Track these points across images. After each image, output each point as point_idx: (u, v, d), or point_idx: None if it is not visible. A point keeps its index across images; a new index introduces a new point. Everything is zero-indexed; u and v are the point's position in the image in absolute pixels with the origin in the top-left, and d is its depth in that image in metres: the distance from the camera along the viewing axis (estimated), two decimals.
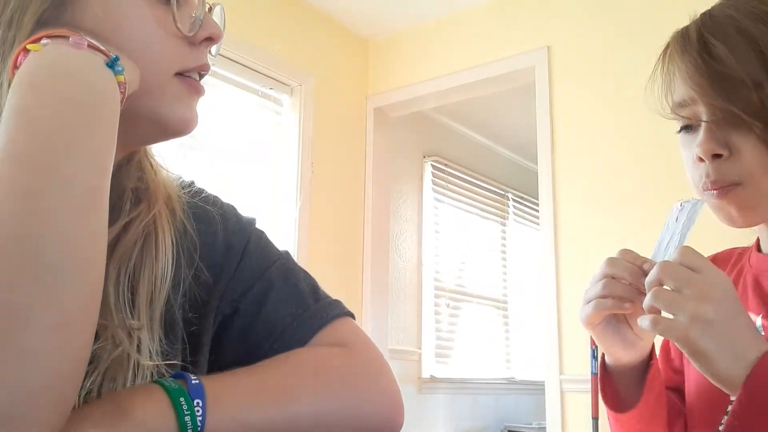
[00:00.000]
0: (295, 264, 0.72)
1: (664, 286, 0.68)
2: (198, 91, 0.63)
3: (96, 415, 0.48)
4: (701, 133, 0.77)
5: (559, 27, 2.96)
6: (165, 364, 0.57)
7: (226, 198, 0.75)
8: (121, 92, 0.53)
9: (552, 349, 2.72)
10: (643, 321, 0.68)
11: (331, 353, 0.63)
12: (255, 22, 2.95)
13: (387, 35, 3.53)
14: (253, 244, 0.70)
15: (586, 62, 2.86)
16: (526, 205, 5.03)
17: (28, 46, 0.51)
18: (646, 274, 0.72)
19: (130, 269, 0.59)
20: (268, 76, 3.02)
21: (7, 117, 0.47)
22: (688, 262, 0.67)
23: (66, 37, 0.52)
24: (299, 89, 3.14)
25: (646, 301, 0.68)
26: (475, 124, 4.48)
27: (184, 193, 0.69)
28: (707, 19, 0.79)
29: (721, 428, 0.65)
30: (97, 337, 0.49)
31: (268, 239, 0.73)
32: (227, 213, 0.71)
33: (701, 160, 0.78)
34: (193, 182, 0.72)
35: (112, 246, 0.58)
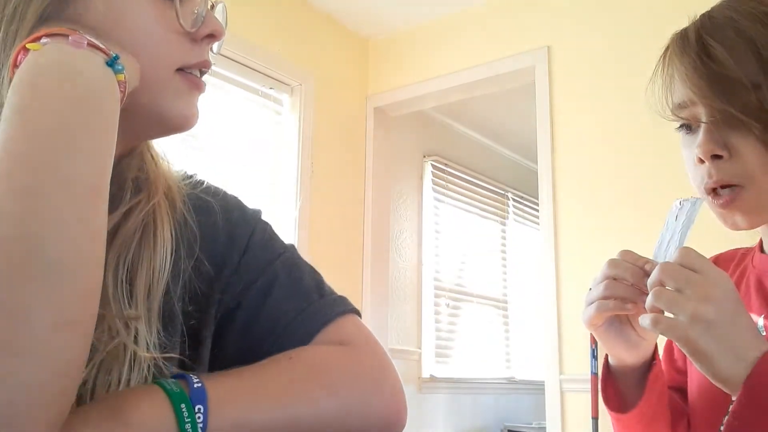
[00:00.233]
0: (300, 258, 0.71)
1: (666, 287, 0.68)
2: (199, 88, 0.63)
3: (95, 417, 0.48)
4: (701, 135, 0.78)
5: (559, 27, 2.96)
6: (163, 357, 0.57)
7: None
8: (121, 91, 0.53)
9: (552, 349, 2.72)
10: (645, 320, 0.68)
11: (334, 352, 0.62)
12: (255, 22, 2.95)
13: (387, 35, 3.52)
14: (257, 236, 0.69)
15: (586, 62, 2.86)
16: (526, 205, 5.03)
17: (27, 45, 0.51)
18: (647, 274, 0.72)
19: (129, 259, 0.58)
20: (268, 76, 3.02)
21: (7, 116, 0.47)
22: (688, 263, 0.68)
23: (65, 36, 0.52)
24: (299, 89, 3.14)
25: (648, 300, 0.68)
26: (475, 124, 4.48)
27: (185, 184, 0.69)
28: (706, 21, 0.79)
29: (722, 428, 0.65)
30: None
31: (273, 232, 0.72)
32: (230, 204, 0.71)
33: (701, 161, 0.78)
34: (194, 174, 0.72)
35: (111, 235, 0.57)
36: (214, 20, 0.63)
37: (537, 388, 3.49)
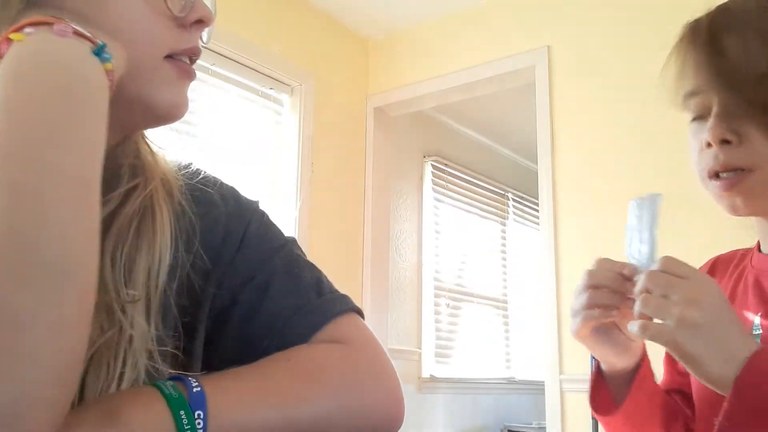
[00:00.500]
0: (300, 253, 0.69)
1: (652, 294, 0.69)
2: (189, 75, 0.61)
3: (91, 420, 0.47)
4: (711, 120, 0.78)
5: (559, 27, 2.96)
6: (158, 350, 0.56)
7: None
8: (110, 80, 0.51)
9: (552, 349, 2.72)
10: (633, 326, 0.69)
11: (332, 352, 0.61)
12: (255, 22, 2.95)
13: (387, 35, 3.52)
14: (253, 228, 0.67)
15: (586, 62, 2.86)
16: (526, 205, 5.03)
17: (10, 36, 0.49)
18: (626, 278, 0.74)
19: (127, 246, 0.57)
20: (268, 76, 3.02)
21: None
22: (672, 270, 0.69)
23: (50, 25, 0.50)
24: (299, 89, 3.14)
25: (636, 308, 0.69)
26: (475, 124, 4.48)
27: (182, 174, 0.67)
28: (720, 11, 0.80)
29: (715, 429, 0.65)
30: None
31: (270, 223, 0.70)
32: (226, 195, 0.69)
33: (709, 145, 0.79)
34: (190, 163, 0.70)
35: (108, 221, 0.56)
36: (203, 6, 0.61)
37: (537, 388, 3.49)
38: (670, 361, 0.95)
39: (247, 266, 0.65)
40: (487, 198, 4.72)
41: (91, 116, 0.48)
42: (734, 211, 0.81)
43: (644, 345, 0.85)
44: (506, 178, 4.88)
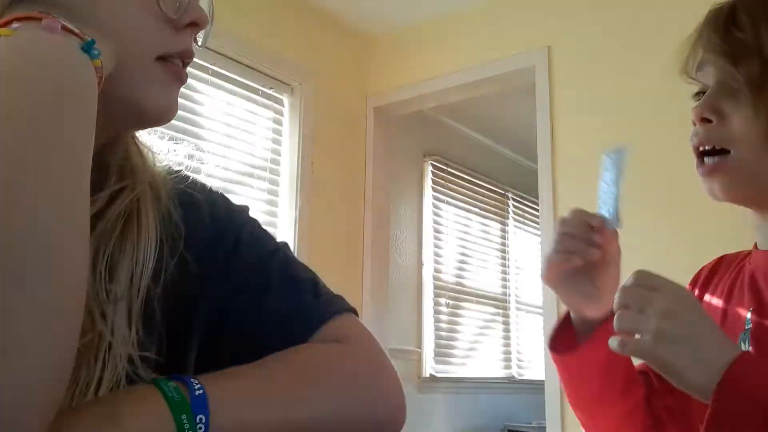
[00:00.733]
0: (293, 256, 0.69)
1: (629, 309, 0.70)
2: (180, 79, 0.60)
3: (89, 421, 0.46)
4: (701, 99, 0.82)
5: (559, 27, 2.96)
6: (139, 356, 0.55)
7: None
8: (98, 76, 0.50)
9: None
10: (613, 343, 0.70)
11: (331, 350, 0.61)
12: (255, 21, 2.95)
13: (387, 34, 3.52)
14: (246, 234, 0.67)
15: (586, 62, 2.86)
16: (526, 205, 5.03)
17: None
18: (593, 228, 0.81)
19: (110, 248, 0.56)
20: (268, 76, 3.02)
21: None
22: (645, 283, 0.70)
23: (38, 20, 0.49)
24: (299, 88, 3.14)
25: (615, 324, 0.71)
26: (475, 123, 4.48)
27: (171, 178, 0.66)
28: None
29: None
30: None
31: (262, 229, 0.70)
32: (217, 200, 0.68)
33: (694, 124, 0.82)
34: (180, 169, 0.69)
35: (92, 222, 0.55)
36: (198, 8, 0.60)
37: (537, 387, 3.49)
38: None
39: (242, 271, 0.64)
40: (487, 198, 4.72)
41: (80, 113, 0.47)
42: (713, 196, 0.83)
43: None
44: (506, 178, 4.88)
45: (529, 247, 4.99)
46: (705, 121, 0.80)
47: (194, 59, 0.62)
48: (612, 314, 0.84)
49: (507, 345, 4.71)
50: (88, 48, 0.49)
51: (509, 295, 4.80)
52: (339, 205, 3.29)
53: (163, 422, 0.47)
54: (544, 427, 2.79)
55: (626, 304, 0.70)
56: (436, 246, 4.20)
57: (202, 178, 0.70)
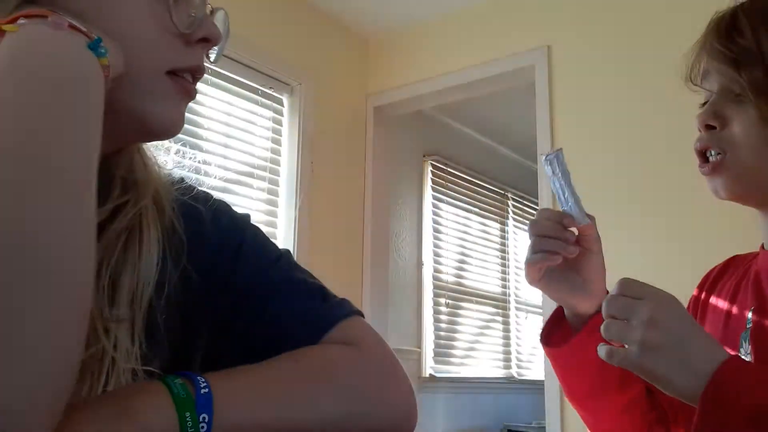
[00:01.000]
0: (296, 263, 0.69)
1: (616, 318, 0.71)
2: (188, 94, 0.60)
3: (102, 417, 0.47)
4: (705, 106, 0.83)
5: (559, 27, 2.96)
6: (143, 370, 0.55)
7: (222, 197, 0.72)
8: (105, 75, 0.50)
9: None
10: (600, 351, 0.71)
11: (341, 353, 0.60)
12: (255, 21, 2.95)
13: (387, 34, 3.52)
14: (248, 243, 0.67)
15: (586, 62, 2.86)
16: (526, 205, 5.03)
17: (3, 27, 0.48)
18: (564, 227, 0.83)
19: (113, 263, 0.56)
20: (268, 76, 3.02)
21: None
22: (629, 292, 0.71)
23: (44, 17, 0.49)
24: (299, 88, 3.14)
25: (602, 333, 0.72)
26: (475, 123, 4.47)
27: (174, 189, 0.66)
28: (746, 2, 0.83)
29: None
30: None
31: (264, 237, 0.70)
32: (219, 210, 0.68)
33: (699, 130, 0.84)
34: (182, 179, 0.69)
35: (97, 233, 0.55)
36: (212, 24, 0.60)
37: (537, 387, 3.49)
38: None
39: (246, 279, 0.64)
40: (487, 198, 4.72)
41: (86, 110, 0.47)
42: (717, 195, 0.84)
43: (606, 290, 0.87)
44: (506, 178, 4.88)
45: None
46: (709, 127, 0.81)
47: None
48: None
49: (507, 345, 4.71)
50: (94, 46, 0.49)
51: (509, 295, 4.80)
52: (339, 205, 3.28)
53: (167, 418, 0.48)
54: (544, 427, 2.79)
55: (612, 314, 0.71)
56: (436, 246, 4.19)
57: (204, 187, 0.70)
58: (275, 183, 3.04)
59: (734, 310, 0.87)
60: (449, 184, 4.37)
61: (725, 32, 0.80)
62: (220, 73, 2.79)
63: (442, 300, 4.19)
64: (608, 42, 2.81)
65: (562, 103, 2.89)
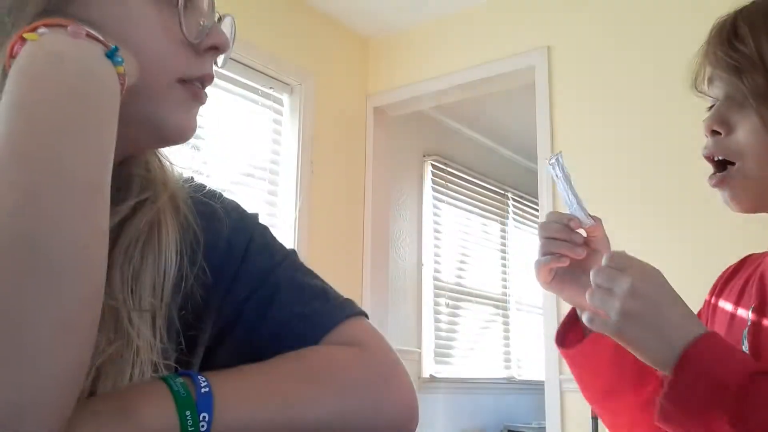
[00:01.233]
0: (301, 263, 0.70)
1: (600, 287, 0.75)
2: (199, 98, 0.62)
3: (103, 415, 0.47)
4: (711, 111, 0.84)
5: (559, 27, 2.96)
6: (164, 364, 0.56)
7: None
8: (121, 83, 0.52)
9: (552, 349, 2.72)
10: (584, 316, 0.75)
11: (343, 353, 0.61)
12: (255, 22, 2.95)
13: (387, 34, 3.52)
14: (256, 242, 0.67)
15: (586, 62, 2.86)
16: (526, 205, 5.03)
17: (24, 35, 0.50)
18: (572, 229, 0.85)
19: (134, 260, 0.57)
20: (268, 76, 3.02)
21: (5, 109, 0.45)
22: (615, 264, 0.74)
23: (64, 26, 0.51)
24: (299, 88, 3.14)
25: (587, 300, 0.75)
26: (475, 123, 4.48)
27: (187, 187, 0.67)
28: (746, 7, 0.84)
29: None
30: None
31: (272, 236, 0.71)
32: (229, 208, 0.69)
33: (706, 136, 0.85)
34: (192, 177, 0.70)
35: (117, 231, 0.57)
36: (220, 33, 0.62)
37: (537, 388, 3.49)
38: None
39: (251, 279, 0.65)
40: (487, 198, 4.72)
41: (102, 117, 0.48)
42: (728, 205, 0.85)
43: None
44: (506, 178, 4.89)
45: (529, 247, 4.99)
46: (714, 133, 0.83)
47: None
48: None
49: (507, 345, 4.71)
50: (111, 54, 0.51)
51: (509, 295, 4.80)
52: (339, 205, 3.29)
53: (167, 417, 0.48)
54: (544, 427, 2.79)
55: (598, 283, 0.74)
56: (436, 246, 4.20)
57: (212, 185, 0.72)
58: (275, 183, 3.04)
59: (739, 308, 0.88)
60: (449, 184, 4.37)
61: (726, 39, 0.81)
62: (220, 73, 2.79)
63: (442, 300, 4.19)
64: (608, 42, 2.81)
65: (562, 103, 2.89)
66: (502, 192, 4.86)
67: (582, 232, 0.87)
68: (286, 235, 2.96)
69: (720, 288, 0.96)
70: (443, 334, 4.16)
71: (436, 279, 4.15)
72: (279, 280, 0.66)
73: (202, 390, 0.50)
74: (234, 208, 0.70)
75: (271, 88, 3.05)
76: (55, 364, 0.42)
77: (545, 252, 0.87)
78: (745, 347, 0.83)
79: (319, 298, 0.66)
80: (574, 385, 3.00)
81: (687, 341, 0.68)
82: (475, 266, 4.51)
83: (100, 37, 0.51)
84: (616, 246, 0.85)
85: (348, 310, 0.66)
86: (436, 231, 4.22)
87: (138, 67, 0.55)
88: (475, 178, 4.58)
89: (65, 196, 0.43)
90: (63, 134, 0.45)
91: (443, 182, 4.32)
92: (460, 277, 4.37)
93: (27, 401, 0.40)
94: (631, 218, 2.56)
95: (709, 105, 0.87)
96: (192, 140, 0.64)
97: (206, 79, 0.62)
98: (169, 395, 0.49)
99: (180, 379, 0.51)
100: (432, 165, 4.23)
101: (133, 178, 0.61)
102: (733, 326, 0.87)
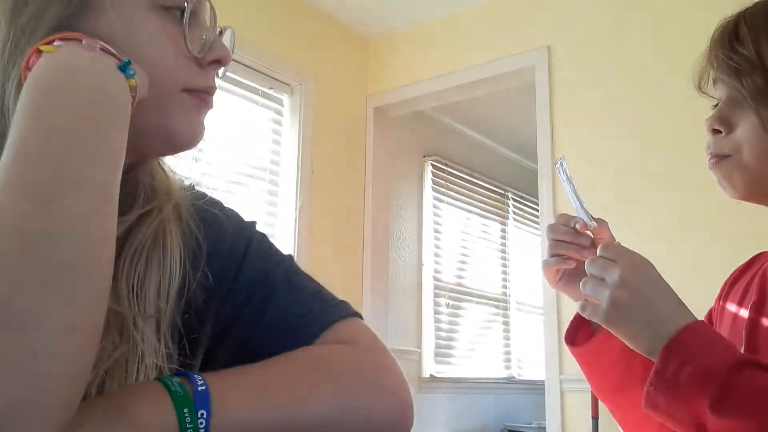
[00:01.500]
0: (298, 267, 0.71)
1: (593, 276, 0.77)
2: (206, 104, 0.64)
3: (100, 416, 0.48)
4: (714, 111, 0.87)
5: (559, 27, 2.96)
6: (168, 368, 0.57)
7: (222, 197, 0.75)
8: (132, 96, 0.54)
9: (552, 348, 2.73)
10: (578, 305, 0.78)
11: (338, 351, 0.62)
12: (255, 22, 2.95)
13: (387, 34, 3.53)
14: (254, 248, 0.69)
15: (586, 62, 2.86)
16: (526, 205, 5.03)
17: (40, 48, 0.52)
18: (578, 232, 0.88)
19: (141, 266, 0.59)
20: (268, 76, 3.02)
21: (20, 117, 0.47)
22: (608, 254, 0.77)
23: (79, 40, 0.53)
24: (299, 89, 3.14)
25: (581, 290, 0.78)
26: (475, 124, 4.48)
27: (188, 195, 0.69)
28: (749, 9, 0.85)
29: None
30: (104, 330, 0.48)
31: (269, 242, 0.73)
32: (229, 216, 0.71)
33: (708, 135, 0.87)
34: (192, 185, 0.72)
35: (123, 239, 0.58)
36: (222, 46, 0.64)
37: (537, 388, 3.49)
38: None
39: (249, 283, 0.67)
40: (487, 198, 4.72)
41: (113, 127, 0.50)
42: (724, 190, 0.87)
43: None
44: (506, 178, 4.89)
45: (529, 247, 4.99)
46: (716, 132, 0.85)
47: None
48: None
49: (507, 345, 4.72)
50: (124, 67, 0.53)
51: (509, 295, 4.80)
52: (339, 205, 3.29)
53: (166, 415, 0.49)
54: (544, 427, 2.79)
55: (590, 273, 0.77)
56: (436, 246, 4.20)
57: (204, 187, 0.73)
58: (275, 183, 3.04)
59: (742, 306, 0.89)
60: (449, 184, 4.37)
61: (728, 42, 0.83)
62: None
63: (443, 300, 4.19)
64: (608, 42, 2.81)
65: (562, 103, 2.89)
66: (502, 192, 4.86)
67: (589, 233, 0.89)
68: (286, 235, 2.96)
69: (727, 291, 0.97)
70: (443, 334, 4.16)
71: (436, 279, 4.15)
72: (275, 283, 0.67)
73: (199, 388, 0.51)
74: (233, 216, 0.72)
75: (271, 88, 3.05)
76: (61, 363, 0.42)
77: (552, 253, 0.89)
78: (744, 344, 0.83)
79: (315, 300, 0.67)
80: (574, 385, 3.00)
81: (674, 330, 0.70)
82: (476, 266, 4.52)
83: (113, 51, 0.54)
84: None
85: (343, 311, 0.67)
86: (436, 231, 4.22)
87: (148, 81, 0.57)
88: (475, 178, 4.58)
89: (75, 198, 0.45)
90: (75, 141, 0.47)
91: (443, 182, 4.32)
92: (460, 277, 4.37)
93: (32, 399, 0.41)
94: (631, 218, 2.56)
95: (714, 104, 0.88)
96: (193, 150, 0.66)
97: (209, 92, 0.64)
98: (167, 394, 0.50)
99: (177, 379, 0.52)
100: (432, 165, 4.23)
101: (139, 185, 0.63)
102: (736, 324, 0.88)
